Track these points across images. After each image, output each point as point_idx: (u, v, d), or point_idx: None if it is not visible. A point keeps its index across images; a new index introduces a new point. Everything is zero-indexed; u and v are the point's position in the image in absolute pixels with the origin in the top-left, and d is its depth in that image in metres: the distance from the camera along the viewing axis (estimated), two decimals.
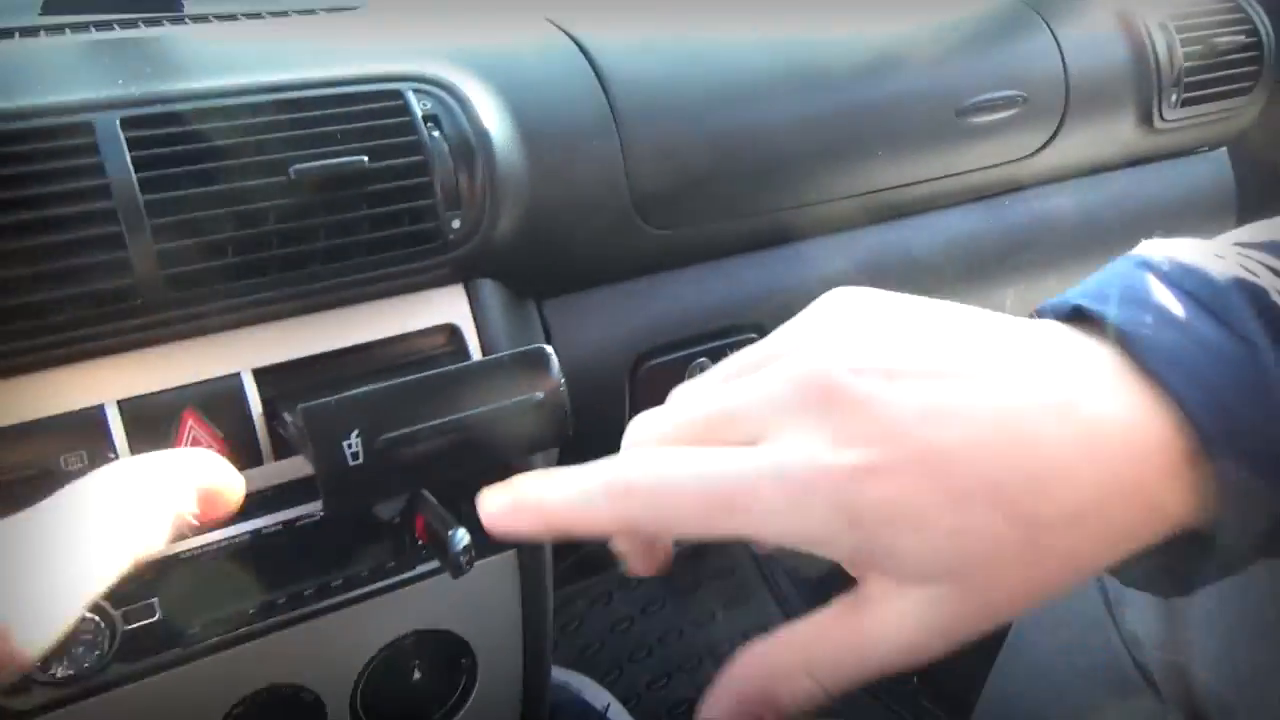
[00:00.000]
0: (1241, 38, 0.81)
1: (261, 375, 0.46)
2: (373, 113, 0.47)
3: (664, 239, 0.60)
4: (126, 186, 0.41)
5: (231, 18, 0.58)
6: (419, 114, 0.48)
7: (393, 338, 0.50)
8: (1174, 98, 0.79)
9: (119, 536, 0.25)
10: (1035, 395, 0.24)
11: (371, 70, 0.49)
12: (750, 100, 0.61)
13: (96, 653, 0.42)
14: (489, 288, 0.53)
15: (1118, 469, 0.24)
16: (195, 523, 0.28)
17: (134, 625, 0.43)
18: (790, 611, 1.09)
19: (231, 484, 0.29)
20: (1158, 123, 0.79)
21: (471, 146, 0.49)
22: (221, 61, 0.47)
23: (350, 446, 0.38)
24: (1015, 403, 0.24)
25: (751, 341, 0.37)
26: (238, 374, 0.45)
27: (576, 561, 1.05)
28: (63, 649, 0.41)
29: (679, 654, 1.05)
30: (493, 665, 0.56)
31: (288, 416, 0.43)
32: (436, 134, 0.48)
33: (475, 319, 0.52)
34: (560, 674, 0.96)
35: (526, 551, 0.55)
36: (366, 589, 0.49)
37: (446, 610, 0.53)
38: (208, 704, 0.47)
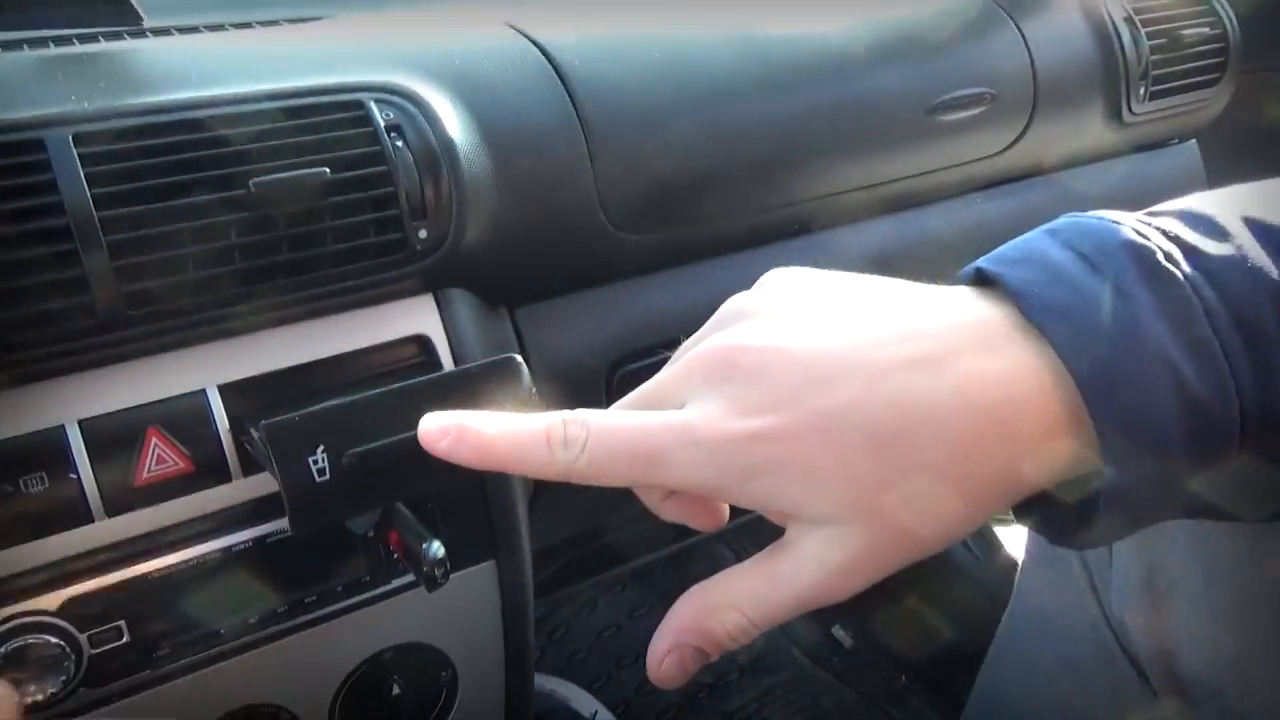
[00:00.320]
0: (1206, 29, 0.82)
1: (227, 391, 0.45)
2: (334, 124, 0.47)
3: (635, 244, 0.59)
4: (81, 204, 0.40)
5: (193, 30, 0.57)
6: (381, 124, 0.47)
7: (363, 350, 0.49)
8: (1142, 91, 0.79)
9: None
10: (912, 354, 0.27)
11: (332, 81, 0.48)
12: (718, 101, 0.60)
13: (62, 678, 0.41)
14: (459, 297, 0.52)
15: (996, 418, 0.26)
16: None
17: (101, 649, 0.43)
18: None
19: None
20: (1127, 116, 0.79)
21: (436, 155, 0.49)
22: (180, 75, 0.47)
23: (316, 463, 0.37)
24: (891, 363, 0.27)
25: None
26: (202, 390, 0.45)
27: (561, 568, 1.05)
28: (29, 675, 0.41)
29: None
30: (474, 677, 0.56)
31: (254, 433, 0.42)
32: (400, 144, 0.48)
33: (446, 329, 0.51)
34: (547, 681, 0.96)
35: (506, 561, 0.54)
36: (342, 604, 0.49)
37: (425, 623, 0.53)
38: None
